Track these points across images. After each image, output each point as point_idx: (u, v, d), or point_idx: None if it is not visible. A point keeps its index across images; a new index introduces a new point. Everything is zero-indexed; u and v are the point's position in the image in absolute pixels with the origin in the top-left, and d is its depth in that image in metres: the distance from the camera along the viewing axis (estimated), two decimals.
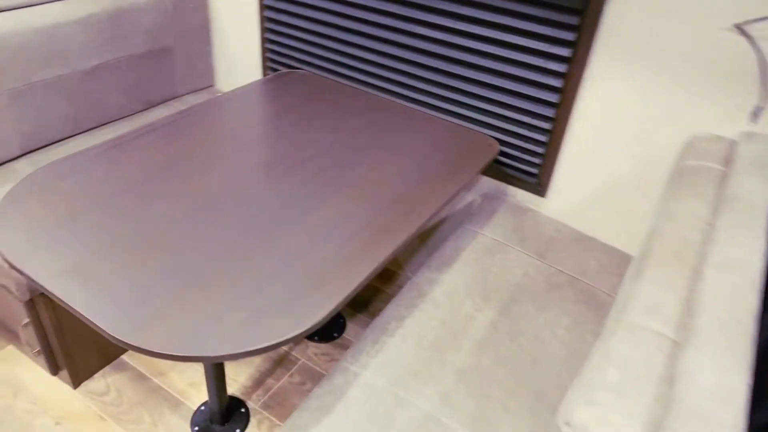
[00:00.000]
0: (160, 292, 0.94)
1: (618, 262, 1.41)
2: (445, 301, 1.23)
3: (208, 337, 0.87)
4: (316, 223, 1.13)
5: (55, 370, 1.57)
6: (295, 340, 0.92)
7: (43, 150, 1.62)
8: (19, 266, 0.96)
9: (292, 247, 1.07)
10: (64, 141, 1.66)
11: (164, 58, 1.83)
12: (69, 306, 0.91)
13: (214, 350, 0.86)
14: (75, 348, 1.50)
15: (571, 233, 1.50)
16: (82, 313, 0.89)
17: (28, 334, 1.49)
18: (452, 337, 1.15)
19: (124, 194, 1.16)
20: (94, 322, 0.88)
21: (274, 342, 0.88)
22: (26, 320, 1.43)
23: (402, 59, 1.66)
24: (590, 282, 1.33)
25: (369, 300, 1.90)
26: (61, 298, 0.91)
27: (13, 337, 1.63)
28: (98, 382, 1.57)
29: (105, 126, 1.75)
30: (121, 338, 0.86)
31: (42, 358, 1.56)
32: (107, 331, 0.87)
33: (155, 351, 0.85)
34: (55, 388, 1.55)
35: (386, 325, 1.17)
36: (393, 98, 1.74)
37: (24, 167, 1.55)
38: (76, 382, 1.56)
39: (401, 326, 1.17)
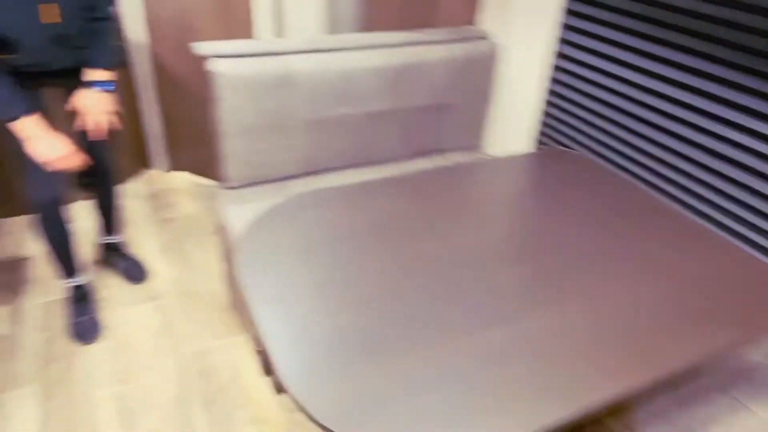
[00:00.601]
0: (339, 354, 0.91)
1: None
2: None
3: (364, 423, 0.80)
4: (516, 331, 0.97)
5: (266, 371, 1.71)
6: None
7: (315, 175, 1.80)
8: (242, 281, 1.05)
9: (486, 351, 0.93)
10: (333, 171, 1.82)
11: (442, 113, 1.88)
12: (261, 335, 0.94)
13: None
14: None
15: None
16: (269, 348, 0.91)
17: (254, 333, 1.65)
18: None
19: (347, 239, 1.18)
20: (275, 362, 0.89)
21: None
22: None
23: (697, 162, 1.38)
24: None
25: (582, 426, 1.61)
26: (259, 325, 0.95)
27: (250, 329, 1.83)
28: None
29: (371, 166, 1.86)
30: (290, 390, 0.85)
31: (259, 358, 1.72)
32: (281, 376, 0.87)
33: (314, 417, 0.81)
34: (262, 388, 1.68)
35: None
36: (674, 204, 1.46)
37: (299, 186, 1.73)
38: (279, 389, 1.67)
39: None
